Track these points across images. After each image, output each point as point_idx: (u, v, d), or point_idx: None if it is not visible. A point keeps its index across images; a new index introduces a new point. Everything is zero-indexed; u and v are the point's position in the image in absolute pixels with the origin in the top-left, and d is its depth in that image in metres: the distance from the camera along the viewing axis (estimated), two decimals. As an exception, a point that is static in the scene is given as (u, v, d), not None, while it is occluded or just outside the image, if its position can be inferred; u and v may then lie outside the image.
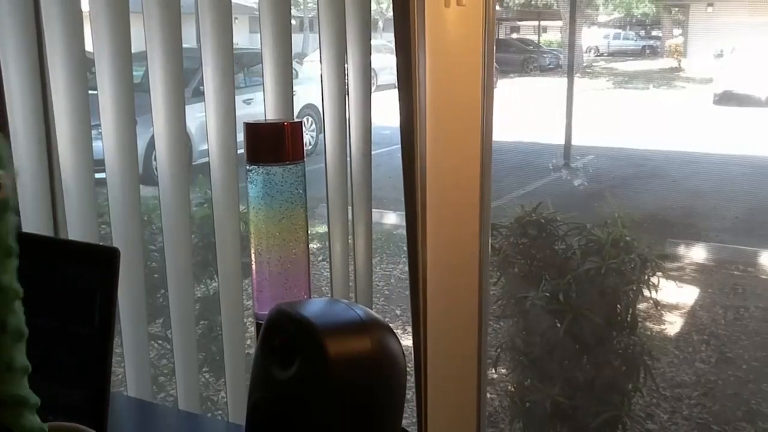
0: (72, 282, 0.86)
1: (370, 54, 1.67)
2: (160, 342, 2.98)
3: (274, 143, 0.90)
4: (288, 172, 0.90)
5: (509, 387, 2.76)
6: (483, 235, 1.63)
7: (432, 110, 1.51)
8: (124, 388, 1.37)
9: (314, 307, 0.85)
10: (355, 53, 1.63)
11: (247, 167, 0.90)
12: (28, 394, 0.61)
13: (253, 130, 0.91)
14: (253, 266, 0.94)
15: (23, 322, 0.61)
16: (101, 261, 0.84)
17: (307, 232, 0.94)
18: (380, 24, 17.74)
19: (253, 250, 0.94)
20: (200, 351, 2.93)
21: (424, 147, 1.53)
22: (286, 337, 0.81)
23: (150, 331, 2.75)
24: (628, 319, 2.47)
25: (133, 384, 1.36)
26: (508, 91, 15.87)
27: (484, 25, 1.50)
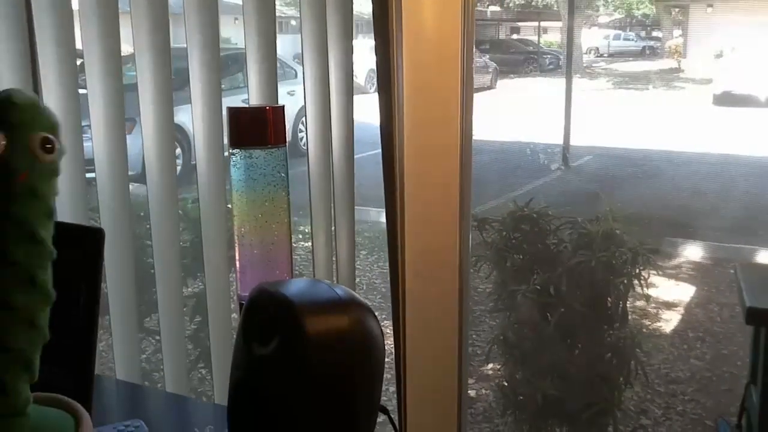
0: (57, 263, 0.87)
1: (352, 54, 1.68)
2: (157, 338, 3.00)
3: (256, 127, 0.92)
4: (270, 156, 0.92)
5: (502, 381, 2.77)
6: (463, 233, 1.64)
7: (410, 111, 1.53)
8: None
9: (295, 287, 0.87)
10: (337, 54, 1.64)
11: (230, 151, 0.92)
12: (35, 362, 0.64)
13: (236, 114, 0.93)
14: (237, 248, 0.96)
15: (51, 286, 0.64)
16: (86, 242, 0.86)
17: (290, 214, 0.96)
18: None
19: (236, 233, 0.96)
20: (197, 346, 2.94)
21: (402, 147, 1.55)
22: (266, 315, 0.83)
23: (146, 326, 2.77)
24: (619, 312, 2.49)
25: (123, 373, 1.38)
26: (508, 92, 15.89)
27: (462, 26, 1.51)
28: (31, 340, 0.64)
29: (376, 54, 1.56)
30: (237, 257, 0.96)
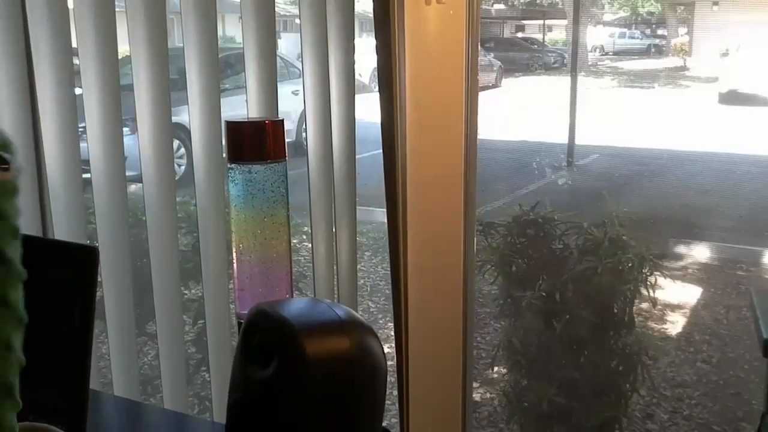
0: (51, 281, 0.85)
1: (354, 53, 1.65)
2: (158, 343, 2.97)
3: (255, 142, 0.90)
4: (270, 171, 0.90)
5: (506, 387, 2.75)
6: (467, 235, 1.61)
7: (412, 110, 1.51)
8: (111, 392, 1.37)
9: (294, 307, 0.84)
10: (338, 53, 1.61)
11: (229, 166, 0.90)
12: (15, 387, 0.61)
13: (235, 128, 0.90)
14: (235, 265, 0.94)
15: (23, 306, 0.61)
16: (80, 259, 0.84)
17: (289, 231, 0.94)
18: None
19: (234, 250, 0.93)
20: (199, 351, 2.93)
21: (404, 147, 1.53)
22: (264, 336, 0.81)
23: (149, 331, 2.75)
24: (625, 318, 2.46)
25: (121, 386, 1.36)
26: (513, 90, 15.84)
27: (467, 25, 1.49)
28: (7, 364, 0.61)
29: (377, 53, 1.54)
30: (235, 275, 0.94)
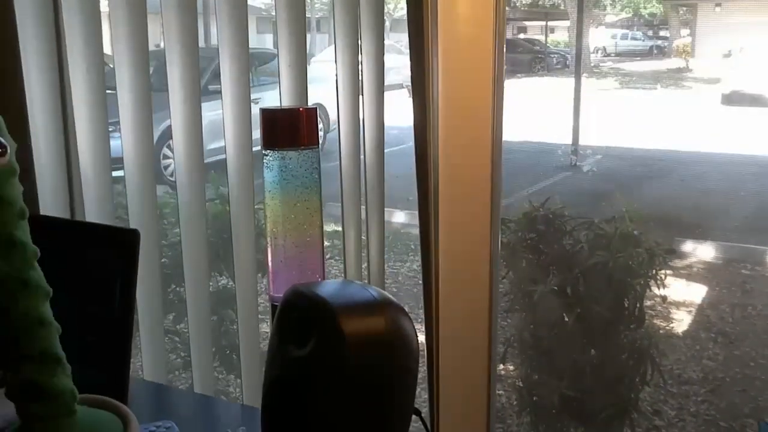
0: (93, 263, 0.88)
1: (383, 54, 1.70)
2: (170, 336, 3.01)
3: (289, 128, 0.92)
4: (303, 157, 0.92)
5: (517, 382, 2.77)
6: (493, 231, 1.65)
7: (444, 109, 1.54)
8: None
9: (330, 288, 0.87)
10: (369, 53, 1.66)
11: (263, 152, 0.92)
12: (61, 354, 0.63)
13: (270, 115, 0.93)
14: (269, 249, 0.96)
15: (44, 280, 0.63)
16: (122, 243, 0.87)
17: (322, 216, 0.96)
18: (387, 24, 17.73)
19: (268, 234, 0.96)
20: (211, 344, 2.95)
21: (436, 146, 1.56)
22: (301, 316, 0.83)
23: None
24: (636, 313, 2.48)
25: (150, 372, 1.39)
26: (516, 91, 15.86)
27: (494, 25, 1.52)
28: (46, 336, 0.63)
29: (410, 53, 1.57)
30: (269, 258, 0.96)
